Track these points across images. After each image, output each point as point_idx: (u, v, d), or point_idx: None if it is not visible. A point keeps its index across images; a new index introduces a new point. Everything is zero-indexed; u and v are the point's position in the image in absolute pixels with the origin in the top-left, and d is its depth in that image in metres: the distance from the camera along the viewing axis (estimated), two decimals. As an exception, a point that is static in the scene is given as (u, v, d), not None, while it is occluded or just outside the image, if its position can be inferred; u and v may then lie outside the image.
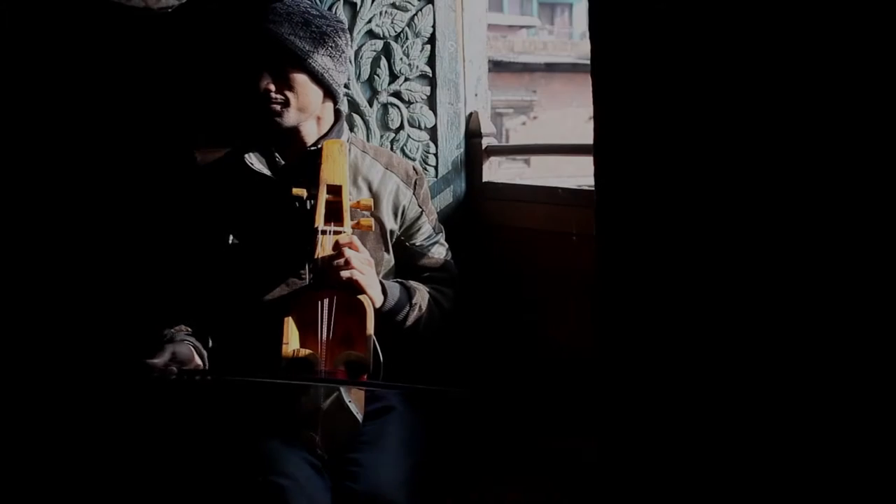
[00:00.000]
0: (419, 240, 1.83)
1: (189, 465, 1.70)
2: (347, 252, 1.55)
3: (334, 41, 1.70)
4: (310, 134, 1.74)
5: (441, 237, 1.87)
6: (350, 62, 1.79)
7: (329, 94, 1.73)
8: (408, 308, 1.72)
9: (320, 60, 1.68)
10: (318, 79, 1.69)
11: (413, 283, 1.77)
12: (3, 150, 2.08)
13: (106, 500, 1.89)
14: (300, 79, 1.67)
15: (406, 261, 1.82)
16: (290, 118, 1.68)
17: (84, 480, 1.92)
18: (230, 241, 1.71)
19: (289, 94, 1.67)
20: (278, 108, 1.66)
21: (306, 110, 1.70)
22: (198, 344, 1.66)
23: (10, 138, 2.08)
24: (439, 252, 1.85)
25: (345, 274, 1.54)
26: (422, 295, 1.76)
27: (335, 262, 1.55)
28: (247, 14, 1.71)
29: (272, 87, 1.65)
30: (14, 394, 1.99)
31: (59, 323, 2.05)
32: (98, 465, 1.94)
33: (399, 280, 1.77)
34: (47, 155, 2.10)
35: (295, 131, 1.72)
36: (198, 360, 1.62)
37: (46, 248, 2.08)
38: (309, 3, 1.73)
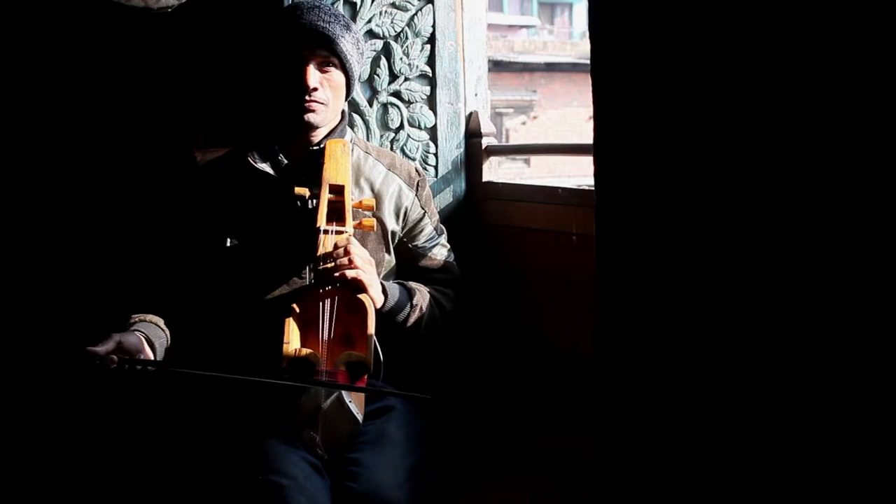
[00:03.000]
0: (421, 241, 1.83)
1: (189, 464, 1.70)
2: (352, 249, 1.56)
3: (361, 44, 1.77)
4: (318, 134, 1.75)
5: (443, 238, 1.87)
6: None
7: (348, 93, 1.78)
8: (408, 309, 1.72)
9: (354, 63, 1.73)
10: (349, 84, 1.75)
11: (413, 284, 1.77)
12: (3, 149, 2.08)
13: (106, 500, 1.89)
14: (338, 79, 1.72)
15: (408, 262, 1.83)
16: (324, 118, 1.72)
17: (83, 480, 1.92)
18: (231, 241, 1.71)
19: (329, 94, 1.70)
20: (316, 105, 1.69)
21: (336, 112, 1.75)
22: (150, 334, 1.61)
23: (9, 138, 2.08)
24: (441, 253, 1.86)
25: (350, 273, 1.54)
26: (422, 296, 1.76)
27: (339, 260, 1.55)
28: (283, 10, 1.73)
29: (318, 84, 1.68)
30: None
31: (49, 317, 2.05)
32: (97, 464, 1.94)
33: (399, 281, 1.77)
34: (47, 154, 2.10)
35: (309, 130, 1.73)
36: (147, 351, 1.58)
37: (45, 247, 2.09)
38: (339, 11, 1.78)
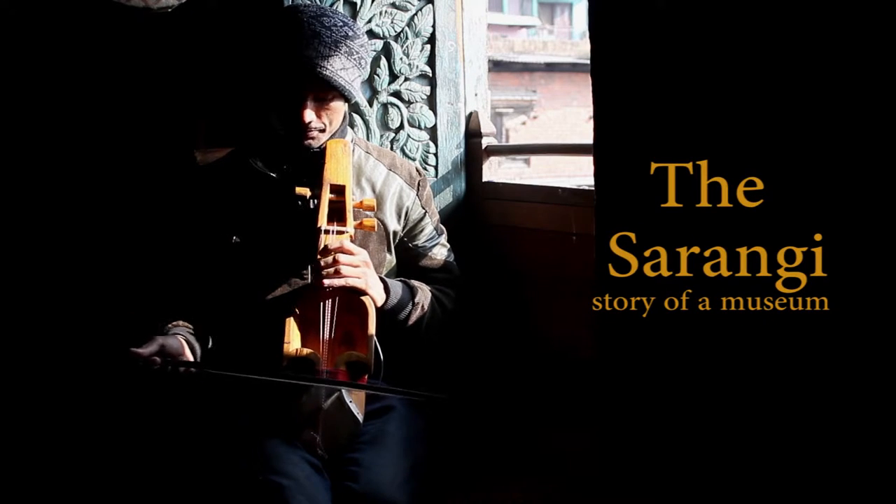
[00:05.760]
0: (421, 240, 1.83)
1: (189, 464, 1.70)
2: (341, 257, 1.55)
3: (365, 61, 1.73)
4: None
5: (443, 238, 1.87)
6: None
7: (349, 108, 1.77)
8: (410, 307, 1.72)
9: (356, 85, 1.70)
10: (349, 101, 1.72)
11: (416, 283, 1.77)
12: (4, 149, 2.08)
13: (105, 499, 1.89)
14: (338, 106, 1.69)
15: (408, 261, 1.83)
16: (321, 141, 1.70)
17: (83, 478, 1.92)
18: (233, 241, 1.71)
19: (326, 121, 1.69)
20: (314, 134, 1.68)
21: (335, 131, 1.72)
22: (192, 339, 1.65)
23: (10, 138, 2.08)
24: (441, 253, 1.85)
25: (337, 283, 1.54)
26: (424, 294, 1.76)
27: (325, 270, 1.55)
28: (280, 33, 1.65)
29: (314, 119, 1.66)
30: (10, 387, 2.00)
31: (60, 319, 2.05)
32: (97, 463, 1.94)
33: (402, 279, 1.77)
34: (48, 154, 2.10)
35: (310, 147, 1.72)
36: (188, 354, 1.60)
37: (47, 247, 2.09)
38: (343, 20, 1.69)
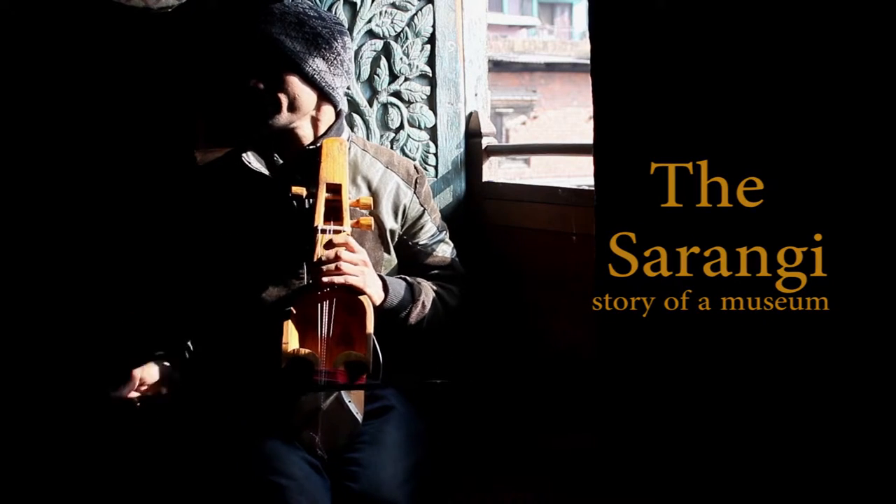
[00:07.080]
0: (423, 239, 1.83)
1: (189, 464, 1.70)
2: (343, 254, 1.55)
3: (329, 43, 1.68)
4: (306, 135, 1.72)
5: (445, 235, 1.87)
6: (351, 64, 1.78)
7: (324, 96, 1.71)
8: (411, 305, 1.72)
9: (312, 62, 1.65)
10: (309, 80, 1.66)
11: (418, 281, 1.77)
12: (3, 149, 2.08)
13: (105, 500, 1.89)
14: (290, 80, 1.65)
15: (411, 260, 1.82)
16: (281, 119, 1.66)
17: (83, 480, 1.92)
18: (229, 241, 1.70)
19: (279, 94, 1.64)
20: (268, 108, 1.65)
21: (297, 111, 1.68)
22: (168, 366, 1.65)
23: (9, 138, 2.08)
24: (444, 250, 1.85)
25: (337, 280, 1.54)
26: (426, 292, 1.76)
27: (325, 267, 1.55)
28: (242, 15, 1.70)
29: (261, 87, 1.64)
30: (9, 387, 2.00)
31: (49, 321, 2.05)
32: (97, 463, 1.94)
33: (403, 277, 1.76)
34: (46, 155, 2.10)
35: (290, 132, 1.70)
36: (164, 387, 1.62)
37: (43, 248, 2.09)
38: (309, 4, 1.71)
